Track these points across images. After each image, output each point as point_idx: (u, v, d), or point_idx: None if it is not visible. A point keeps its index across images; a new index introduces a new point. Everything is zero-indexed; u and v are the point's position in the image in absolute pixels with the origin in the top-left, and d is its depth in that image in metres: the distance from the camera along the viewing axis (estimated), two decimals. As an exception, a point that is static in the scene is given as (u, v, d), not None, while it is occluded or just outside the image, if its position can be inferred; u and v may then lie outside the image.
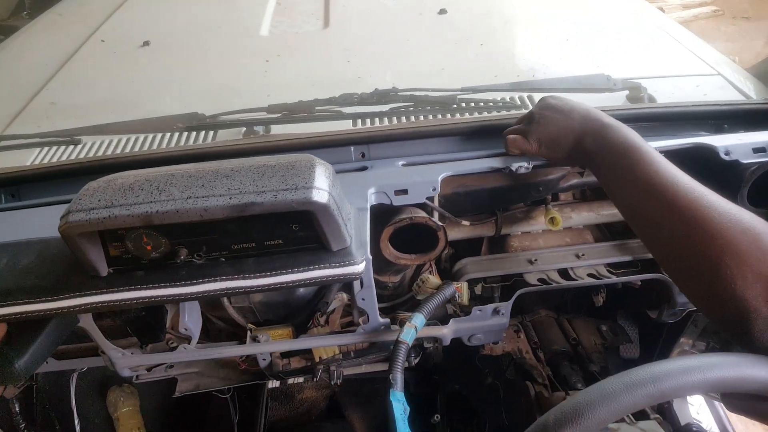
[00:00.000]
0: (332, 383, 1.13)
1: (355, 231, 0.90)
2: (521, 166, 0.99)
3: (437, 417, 1.28)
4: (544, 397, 1.08)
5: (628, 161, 0.86)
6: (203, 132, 1.38)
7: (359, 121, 1.31)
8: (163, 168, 0.86)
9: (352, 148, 1.17)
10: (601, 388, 0.59)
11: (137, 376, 1.22)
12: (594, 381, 1.14)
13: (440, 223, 1.00)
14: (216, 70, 1.73)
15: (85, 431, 1.82)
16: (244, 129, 1.37)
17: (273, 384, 1.35)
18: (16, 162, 1.33)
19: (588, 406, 0.58)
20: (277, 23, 2.00)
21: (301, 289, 1.19)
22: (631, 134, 0.89)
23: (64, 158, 1.34)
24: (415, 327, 0.95)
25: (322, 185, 0.79)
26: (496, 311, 1.07)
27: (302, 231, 0.86)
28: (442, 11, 1.93)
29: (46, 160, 1.33)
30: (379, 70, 1.57)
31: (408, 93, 1.15)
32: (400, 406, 0.85)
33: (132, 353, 1.11)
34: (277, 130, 1.35)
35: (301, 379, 1.40)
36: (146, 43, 1.92)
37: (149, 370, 1.18)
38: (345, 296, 1.19)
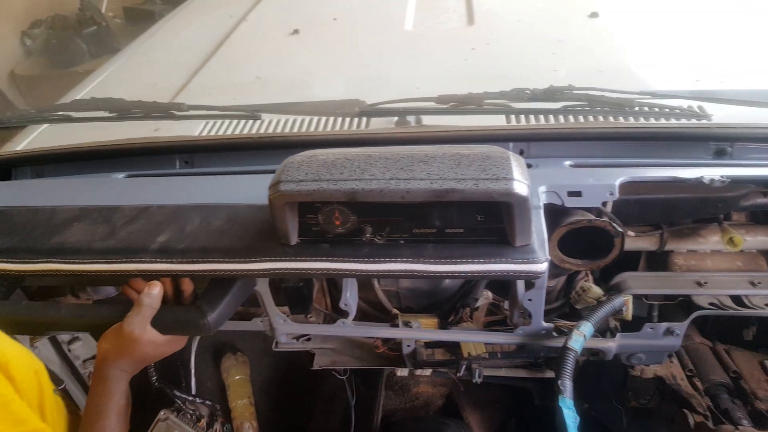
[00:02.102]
0: (474, 381, 1.13)
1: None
2: (716, 179, 0.93)
3: (570, 435, 1.24)
4: (708, 428, 1.02)
5: None
6: (356, 119, 1.41)
7: (512, 117, 1.30)
8: (356, 149, 0.89)
9: (510, 144, 1.16)
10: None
11: (277, 344, 1.27)
12: (763, 420, 1.07)
13: (620, 230, 0.96)
14: (364, 60, 1.77)
15: (199, 392, 1.92)
16: (396, 118, 1.39)
17: (402, 372, 1.36)
18: (185, 132, 1.41)
19: None
20: (421, 19, 2.02)
21: (448, 281, 1.20)
22: None
23: (228, 132, 1.41)
24: (584, 335, 0.92)
25: (521, 178, 0.79)
26: (669, 331, 1.02)
27: (486, 222, 0.86)
28: (593, 15, 1.88)
29: (212, 133, 1.41)
30: (529, 69, 1.55)
31: (583, 92, 1.12)
32: (571, 414, 0.82)
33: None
34: (427, 121, 1.36)
35: (427, 372, 1.41)
36: (296, 32, 2.00)
37: (297, 339, 1.22)
38: (491, 295, 1.18)
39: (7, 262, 0.98)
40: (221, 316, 0.92)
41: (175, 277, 0.96)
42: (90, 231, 0.99)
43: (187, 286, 0.98)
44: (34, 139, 1.54)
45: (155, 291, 0.90)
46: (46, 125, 1.57)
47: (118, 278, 0.94)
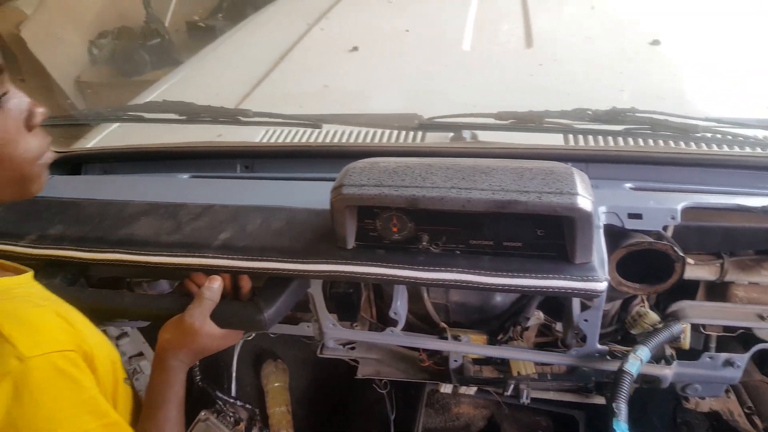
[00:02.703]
0: (521, 401, 1.11)
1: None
2: (784, 208, 0.91)
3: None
4: (768, 468, 0.98)
5: None
6: (413, 132, 1.43)
7: (571, 136, 1.29)
8: (417, 158, 0.90)
9: (570, 164, 1.14)
10: None
11: (323, 348, 1.28)
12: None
13: (681, 254, 0.94)
14: (422, 78, 1.80)
15: (238, 396, 1.94)
16: (452, 134, 1.40)
17: (445, 389, 1.34)
18: (247, 138, 1.46)
19: None
20: (479, 40, 2.04)
21: (499, 298, 1.19)
22: None
23: (288, 140, 1.45)
24: (640, 359, 0.90)
25: (585, 193, 0.78)
26: (728, 362, 0.99)
27: (546, 237, 0.86)
28: (655, 42, 1.86)
29: (272, 140, 1.45)
30: (588, 92, 1.54)
31: (646, 116, 1.11)
32: (624, 436, 0.80)
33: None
34: (484, 137, 1.36)
35: (471, 391, 1.39)
36: (355, 48, 2.04)
37: (343, 346, 1.23)
38: (542, 315, 1.16)
39: (77, 250, 1.03)
40: (277, 313, 0.93)
41: (235, 274, 0.98)
42: (157, 225, 1.03)
43: (246, 283, 1.00)
44: (103, 137, 1.62)
45: (216, 285, 0.93)
46: (115, 125, 1.64)
47: (180, 271, 0.98)
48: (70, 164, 1.46)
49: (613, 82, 1.59)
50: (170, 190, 1.19)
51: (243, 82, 1.91)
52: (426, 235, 0.89)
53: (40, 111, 0.73)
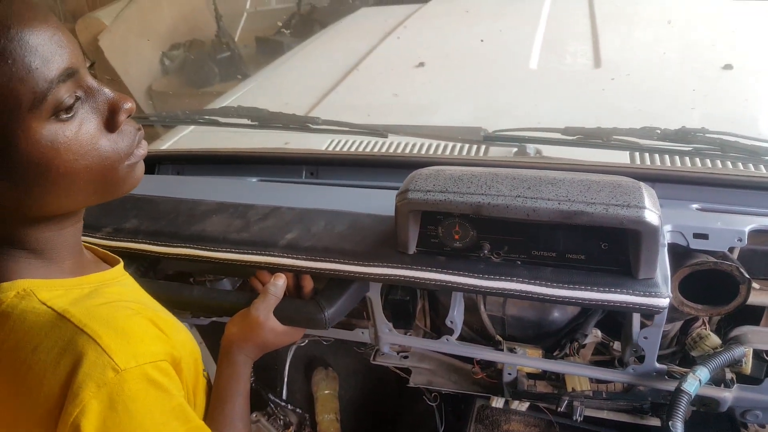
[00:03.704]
0: (574, 418, 1.09)
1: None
2: None
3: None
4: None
5: None
6: (476, 146, 1.45)
7: (637, 154, 1.28)
8: (482, 168, 0.92)
9: None
10: None
11: (376, 354, 1.30)
12: None
13: (747, 276, 0.91)
14: (488, 93, 1.83)
15: (289, 400, 1.97)
16: (516, 149, 1.40)
17: (497, 403, 1.33)
18: (313, 145, 1.51)
19: None
20: (546, 59, 2.04)
21: (557, 313, 1.18)
22: None
23: (353, 149, 1.49)
24: (699, 380, 0.88)
25: (653, 207, 0.78)
26: (793, 389, 0.95)
27: (610, 251, 0.85)
28: (727, 66, 1.82)
29: (338, 148, 1.49)
30: (656, 113, 1.52)
31: (716, 137, 1.09)
32: (682, 456, 0.79)
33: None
34: (548, 152, 1.36)
35: (523, 407, 1.37)
36: (421, 64, 2.09)
37: (396, 353, 1.24)
38: (600, 333, 1.15)
39: (151, 244, 1.08)
40: (337, 313, 0.96)
41: (298, 273, 1.02)
42: (226, 223, 1.08)
43: (308, 283, 1.04)
44: (177, 140, 1.71)
45: (280, 282, 0.96)
46: (189, 129, 1.73)
47: (247, 268, 1.02)
48: (144, 163, 1.54)
49: (683, 102, 1.57)
50: (239, 192, 1.24)
51: (311, 93, 1.98)
52: (488, 243, 0.90)
53: (126, 107, 0.64)
